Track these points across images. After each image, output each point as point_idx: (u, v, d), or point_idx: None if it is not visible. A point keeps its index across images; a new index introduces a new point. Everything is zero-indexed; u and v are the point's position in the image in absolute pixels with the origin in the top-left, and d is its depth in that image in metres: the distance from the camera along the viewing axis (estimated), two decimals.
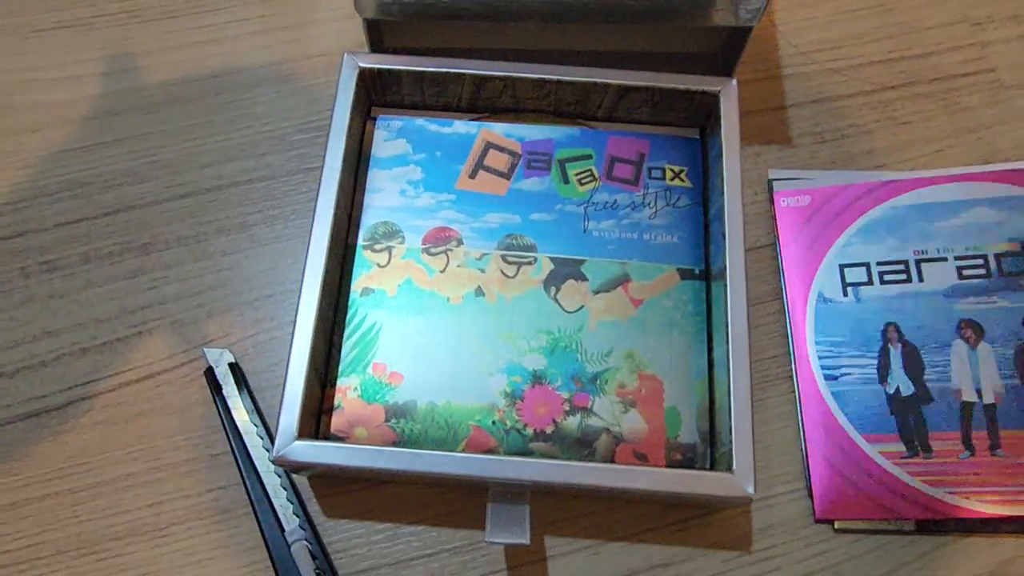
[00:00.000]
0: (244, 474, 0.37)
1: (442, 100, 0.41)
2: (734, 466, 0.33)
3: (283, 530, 0.36)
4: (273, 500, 0.37)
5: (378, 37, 0.43)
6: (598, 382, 0.36)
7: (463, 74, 0.39)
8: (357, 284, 0.38)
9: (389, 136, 0.41)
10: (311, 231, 0.36)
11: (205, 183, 0.44)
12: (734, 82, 0.39)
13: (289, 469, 0.36)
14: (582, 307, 0.38)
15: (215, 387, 0.39)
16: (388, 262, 0.39)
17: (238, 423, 0.38)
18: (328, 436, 0.36)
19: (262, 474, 0.37)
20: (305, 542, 0.36)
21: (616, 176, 0.40)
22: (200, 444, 0.38)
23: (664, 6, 0.39)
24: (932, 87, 0.46)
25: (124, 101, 0.46)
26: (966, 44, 0.47)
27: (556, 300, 0.38)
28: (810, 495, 0.37)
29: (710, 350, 0.37)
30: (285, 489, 0.37)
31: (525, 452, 0.35)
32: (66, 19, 0.48)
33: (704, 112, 0.41)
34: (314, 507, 0.37)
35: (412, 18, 0.40)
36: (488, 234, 0.39)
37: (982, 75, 0.46)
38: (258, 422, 0.38)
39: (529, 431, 0.36)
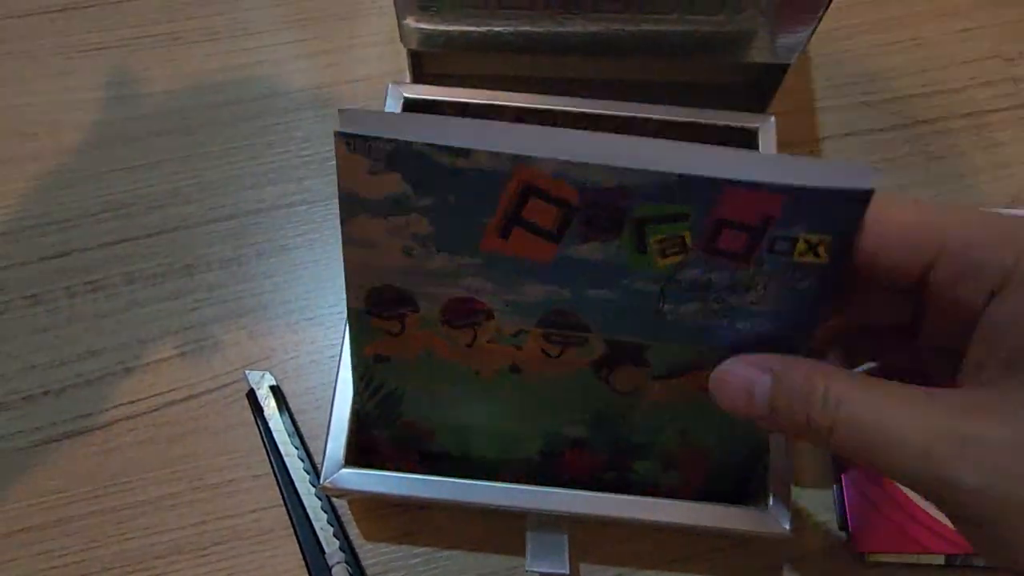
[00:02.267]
0: (285, 496, 0.38)
1: None
2: (770, 503, 0.33)
3: (323, 552, 0.37)
4: (314, 523, 0.38)
5: (419, 64, 0.44)
6: (642, 451, 0.35)
7: (506, 107, 0.40)
8: (367, 351, 0.32)
9: (374, 167, 0.25)
10: None
11: (246, 206, 0.45)
12: (772, 119, 0.40)
13: (335, 496, 0.37)
14: (637, 389, 0.32)
15: (256, 409, 0.40)
16: (402, 331, 0.31)
17: (279, 445, 0.39)
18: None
19: (303, 496, 0.38)
20: (345, 564, 0.37)
21: (720, 248, 0.26)
22: (241, 465, 0.39)
23: (703, 42, 0.40)
24: (965, 121, 0.46)
25: (166, 123, 0.46)
26: (999, 79, 0.48)
27: (607, 381, 0.32)
28: (842, 527, 0.38)
29: None
30: (326, 512, 0.38)
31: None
32: (109, 40, 0.49)
33: (742, 147, 0.41)
34: (353, 530, 0.38)
35: (455, 50, 0.41)
36: (527, 309, 0.29)
37: (1014, 110, 0.47)
38: (299, 444, 0.39)
39: (566, 477, 0.36)
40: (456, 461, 0.36)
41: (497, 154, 0.24)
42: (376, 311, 0.30)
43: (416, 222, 0.27)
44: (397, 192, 0.26)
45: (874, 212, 0.23)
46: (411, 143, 0.24)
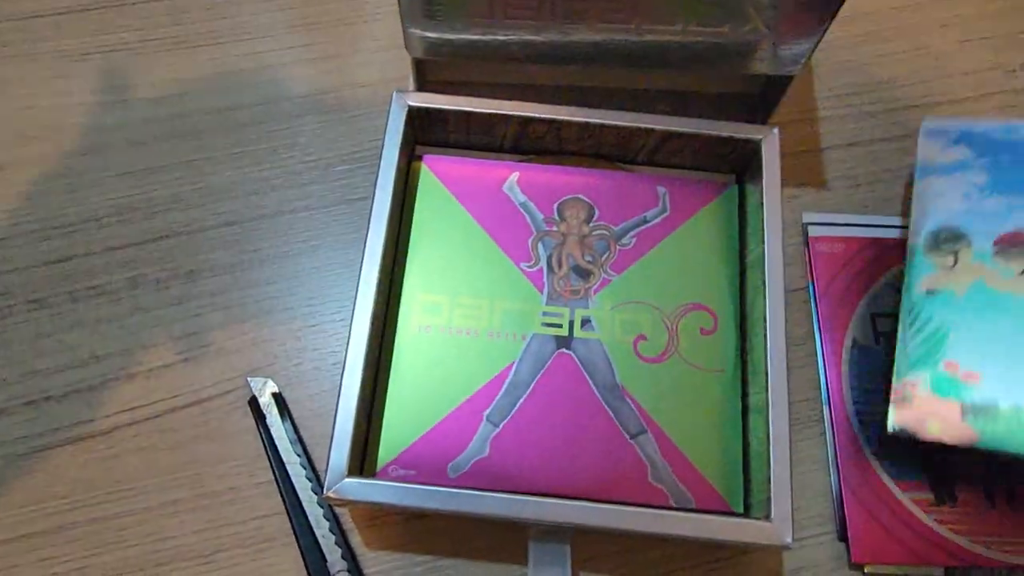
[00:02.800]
0: (288, 504, 0.38)
1: (486, 140, 0.42)
2: (772, 514, 0.33)
3: (325, 560, 0.37)
4: (316, 530, 0.38)
5: (422, 71, 0.44)
6: None
7: (510, 116, 0.40)
8: (920, 285, 0.37)
9: (946, 144, 0.40)
10: (360, 272, 0.37)
11: (249, 211, 0.45)
12: (775, 130, 0.40)
13: (338, 505, 0.37)
14: None
15: (259, 416, 0.40)
16: (955, 264, 0.37)
17: (282, 453, 0.39)
18: (895, 431, 0.35)
19: (305, 504, 0.38)
20: (347, 573, 0.37)
21: None
22: (244, 472, 0.39)
23: (707, 54, 0.40)
24: None
25: (170, 127, 0.46)
26: (998, 91, 0.48)
27: None
28: (841, 538, 0.38)
29: (745, 395, 0.38)
30: (328, 520, 0.38)
31: None
32: (113, 44, 0.49)
33: (744, 158, 0.41)
34: (355, 538, 0.38)
35: (459, 58, 0.41)
36: None
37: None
38: (301, 452, 0.39)
39: None
40: (1005, 418, 0.34)
41: None
42: (932, 247, 0.38)
43: (976, 175, 0.38)
44: (961, 158, 0.39)
45: None
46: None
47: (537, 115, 0.40)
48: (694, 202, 0.41)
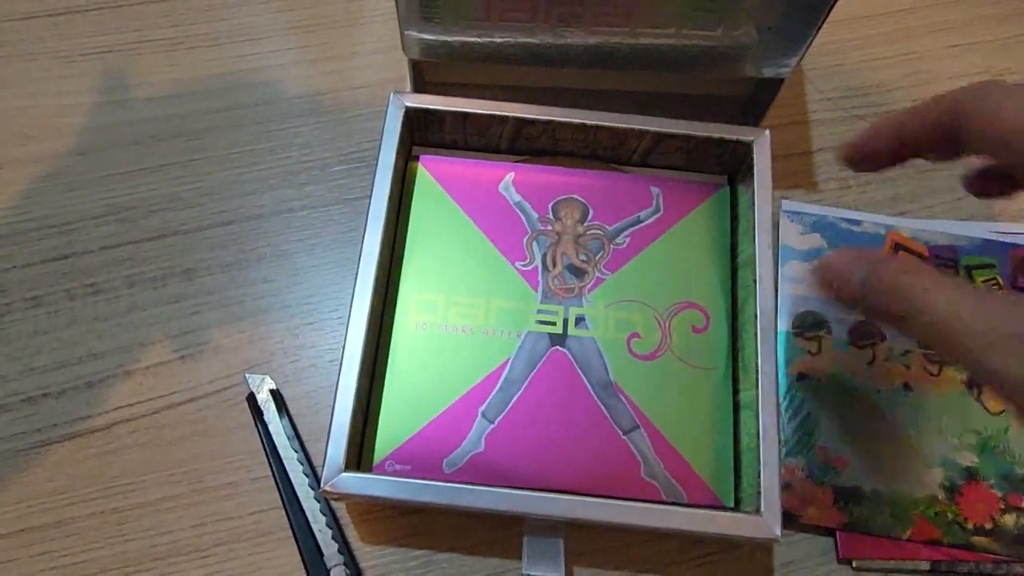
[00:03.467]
0: (285, 499, 0.39)
1: (482, 141, 0.43)
2: (762, 508, 0.34)
3: (322, 555, 0.38)
4: (312, 525, 0.38)
5: (419, 72, 0.45)
6: None
7: (506, 117, 0.41)
8: (792, 369, 0.41)
9: (804, 230, 0.43)
10: (358, 270, 0.37)
11: (247, 211, 0.45)
12: (767, 132, 0.41)
13: (335, 500, 0.37)
14: (1004, 411, 0.39)
15: (256, 412, 0.40)
16: (819, 350, 0.41)
17: (279, 448, 0.39)
18: (786, 516, 0.37)
19: (302, 499, 0.39)
20: (343, 567, 0.37)
21: (1021, 286, 0.41)
22: (241, 468, 0.40)
23: (700, 57, 0.41)
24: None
25: (168, 127, 0.47)
26: None
27: (979, 401, 0.40)
28: (831, 534, 0.39)
29: (736, 392, 0.39)
30: (324, 515, 0.38)
31: (966, 545, 0.38)
32: (111, 44, 0.49)
33: (736, 160, 0.42)
34: (351, 533, 0.39)
35: (456, 60, 0.42)
36: None
37: None
38: (298, 448, 0.40)
39: (969, 525, 0.38)
40: (869, 502, 0.39)
41: (876, 223, 0.44)
42: (799, 332, 0.41)
43: None
44: (816, 246, 0.43)
45: None
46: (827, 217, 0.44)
47: (533, 116, 0.41)
48: (687, 203, 0.42)
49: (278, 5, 0.50)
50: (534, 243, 0.41)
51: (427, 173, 0.42)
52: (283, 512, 0.39)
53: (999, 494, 0.38)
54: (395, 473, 0.37)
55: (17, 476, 0.39)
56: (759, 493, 0.34)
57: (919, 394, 0.40)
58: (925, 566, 0.38)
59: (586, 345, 0.39)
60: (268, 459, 0.39)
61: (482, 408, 0.38)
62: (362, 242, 0.38)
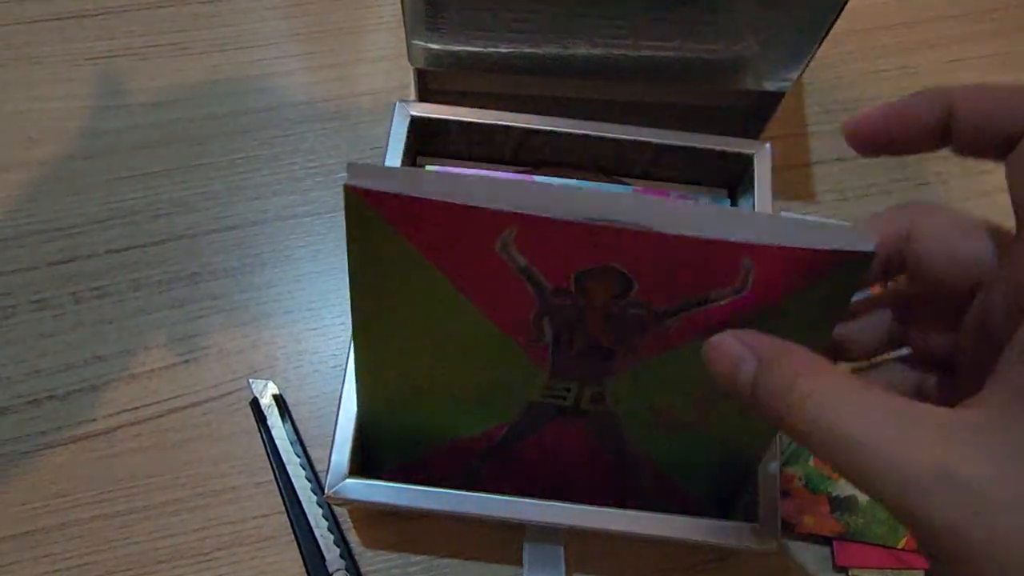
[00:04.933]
0: (287, 503, 0.39)
1: (487, 151, 0.43)
2: (760, 518, 0.34)
3: (324, 559, 0.38)
4: (315, 530, 0.38)
5: (424, 81, 0.45)
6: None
7: (511, 127, 0.41)
8: None
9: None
10: None
11: (251, 216, 0.45)
12: (768, 145, 0.41)
13: (338, 505, 0.38)
14: None
15: (260, 417, 0.41)
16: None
17: (282, 453, 0.40)
18: (783, 524, 0.35)
19: (304, 504, 0.39)
20: (345, 572, 0.38)
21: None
22: (244, 472, 0.40)
23: (701, 69, 0.41)
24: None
25: (173, 132, 0.47)
26: None
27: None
28: (827, 543, 0.39)
29: None
30: (327, 519, 0.39)
31: None
32: (117, 48, 0.49)
33: (736, 172, 0.42)
34: (353, 538, 0.39)
35: (461, 70, 0.42)
36: None
37: None
38: (301, 453, 0.40)
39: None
40: (863, 510, 0.38)
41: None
42: None
43: None
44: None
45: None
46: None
47: (537, 127, 0.41)
48: (795, 279, 0.26)
49: (284, 12, 0.51)
50: (544, 319, 0.29)
51: (383, 221, 0.26)
52: (286, 517, 0.39)
53: None
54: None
55: (21, 478, 0.39)
56: (757, 502, 0.35)
57: None
58: (920, 575, 0.39)
59: (602, 417, 0.33)
60: (271, 464, 0.40)
61: (480, 451, 0.36)
62: None
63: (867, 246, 0.24)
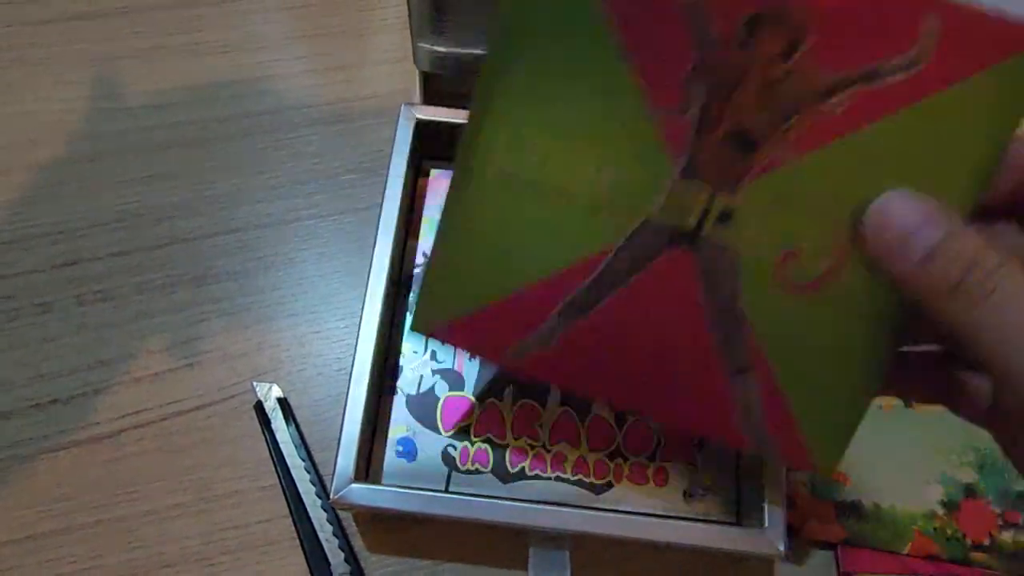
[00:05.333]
0: (292, 507, 0.39)
1: None
2: (766, 524, 0.34)
3: (328, 563, 0.38)
4: (319, 534, 0.38)
5: (429, 84, 0.45)
6: None
7: None
8: None
9: None
10: (367, 282, 0.38)
11: (255, 219, 0.45)
12: None
13: (343, 510, 0.37)
14: None
15: (264, 420, 0.41)
16: None
17: (286, 457, 0.40)
18: (788, 529, 0.35)
19: (309, 508, 0.39)
20: None
21: None
22: (249, 476, 0.40)
23: None
24: None
25: (177, 134, 0.47)
26: None
27: None
28: (832, 548, 0.39)
29: None
30: (331, 524, 0.39)
31: (965, 561, 0.38)
32: (122, 50, 0.49)
33: None
34: (358, 542, 0.39)
35: (467, 73, 0.42)
36: None
37: None
38: (305, 457, 0.40)
39: (968, 541, 0.38)
40: (869, 516, 0.39)
41: None
42: None
43: None
44: None
45: None
46: None
47: None
48: (976, 55, 0.24)
49: (289, 14, 0.51)
50: (698, 81, 0.26)
51: None
52: (290, 521, 0.39)
53: (997, 511, 0.39)
54: (451, 343, 0.31)
55: (24, 482, 0.39)
56: (763, 509, 0.35)
57: (920, 410, 0.41)
58: None
59: (721, 254, 0.28)
60: (275, 467, 0.40)
61: (567, 299, 0.30)
62: (372, 254, 0.38)
63: None
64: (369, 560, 0.39)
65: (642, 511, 0.37)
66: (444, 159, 0.44)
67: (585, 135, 0.27)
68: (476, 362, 0.40)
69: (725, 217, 0.27)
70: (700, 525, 0.35)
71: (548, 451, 0.39)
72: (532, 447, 0.39)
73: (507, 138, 0.28)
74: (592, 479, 0.38)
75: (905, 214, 0.23)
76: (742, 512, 0.38)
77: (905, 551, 0.38)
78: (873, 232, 0.24)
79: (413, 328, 0.32)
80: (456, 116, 0.41)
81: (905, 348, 0.28)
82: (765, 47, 0.25)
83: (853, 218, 0.26)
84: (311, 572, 0.38)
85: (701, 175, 0.27)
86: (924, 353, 0.28)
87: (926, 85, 0.24)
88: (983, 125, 0.24)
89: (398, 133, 0.41)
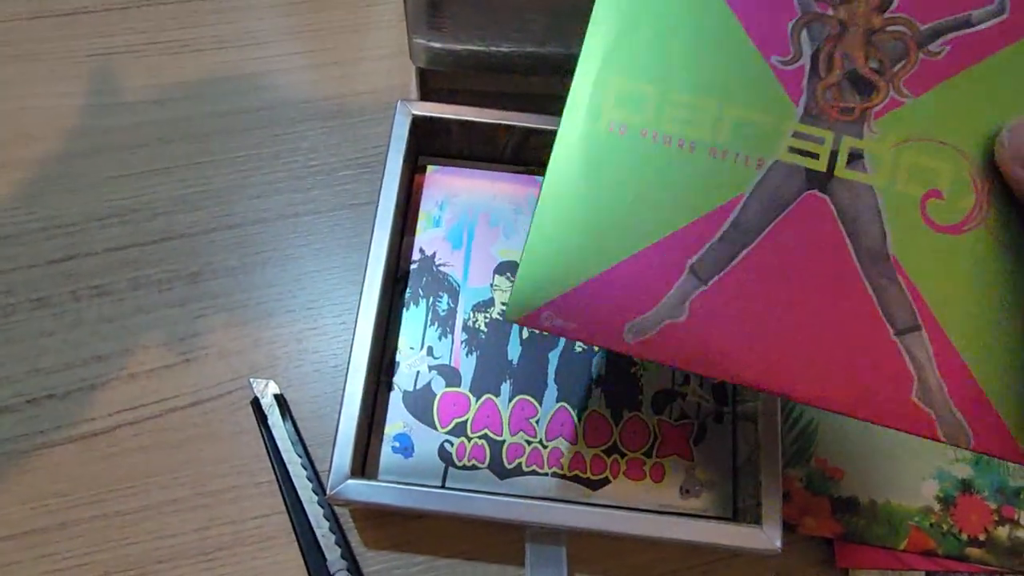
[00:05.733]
0: (288, 503, 0.39)
1: (488, 150, 0.43)
2: (762, 520, 0.34)
3: (325, 559, 0.38)
4: (316, 530, 0.38)
5: (425, 80, 0.45)
6: (1021, 496, 0.38)
7: (513, 126, 0.41)
8: None
9: None
10: (364, 279, 0.38)
11: (252, 215, 0.45)
12: None
13: (339, 506, 0.37)
14: None
15: (260, 417, 0.41)
16: None
17: (283, 453, 0.40)
18: (784, 525, 0.35)
19: (305, 504, 0.39)
20: (346, 572, 0.38)
21: None
22: (245, 472, 0.40)
23: None
24: None
25: (174, 130, 0.47)
26: None
27: None
28: (828, 543, 0.39)
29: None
30: (328, 520, 0.39)
31: (961, 556, 0.38)
32: (118, 45, 0.49)
33: None
34: (354, 538, 0.39)
35: (463, 69, 0.42)
36: None
37: None
38: (302, 453, 0.40)
39: (964, 536, 0.38)
40: (865, 511, 0.38)
41: None
42: None
43: None
44: None
45: None
46: None
47: (540, 126, 0.41)
48: None
49: (285, 9, 0.50)
50: (804, 31, 0.28)
51: None
52: (287, 517, 0.39)
53: (993, 506, 0.39)
54: (555, 329, 0.27)
55: (20, 477, 0.39)
56: (759, 505, 0.35)
57: None
58: None
59: (859, 195, 0.27)
60: (272, 463, 0.40)
61: (692, 260, 0.27)
62: (369, 249, 0.38)
63: None
64: (365, 556, 0.39)
65: (638, 507, 0.37)
66: (440, 154, 0.44)
67: (702, 83, 0.27)
68: (473, 358, 0.40)
69: (855, 157, 0.27)
70: (696, 521, 0.35)
71: (545, 447, 0.39)
72: (529, 443, 0.39)
73: (617, 90, 0.27)
74: (589, 475, 0.38)
75: None
76: (738, 508, 0.38)
77: (901, 547, 0.38)
78: (1013, 148, 0.25)
79: (507, 317, 0.27)
80: (452, 112, 0.41)
81: None
82: (861, 1, 0.27)
83: (985, 149, 0.27)
84: (307, 568, 0.38)
85: (823, 118, 0.27)
86: None
87: (1014, 31, 0.27)
88: None
89: (394, 129, 0.41)
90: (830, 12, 0.28)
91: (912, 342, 0.27)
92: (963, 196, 0.27)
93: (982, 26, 0.27)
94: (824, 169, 0.27)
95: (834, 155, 0.27)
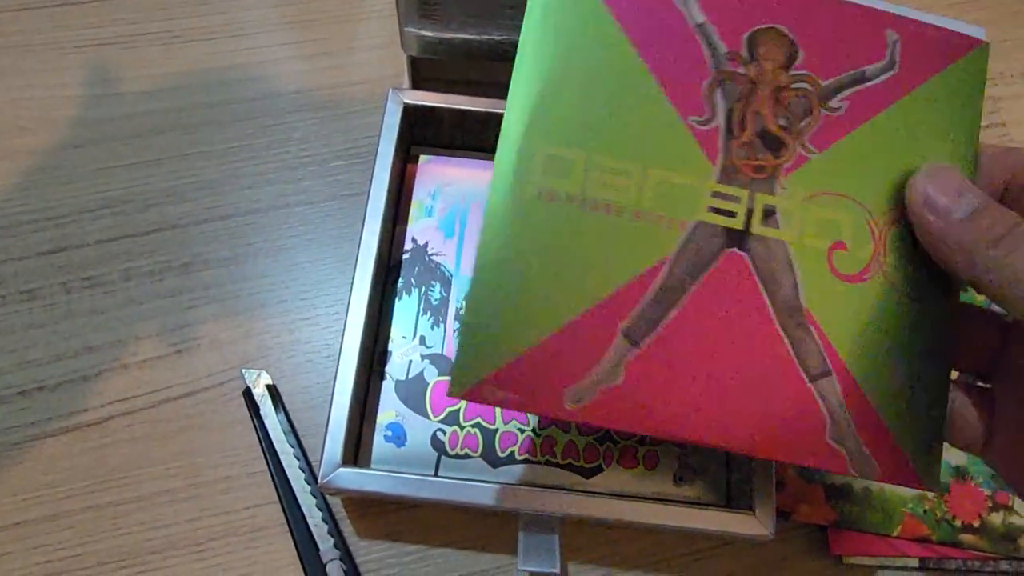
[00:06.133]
0: (281, 493, 0.39)
1: (481, 139, 0.43)
2: (755, 506, 0.34)
3: (318, 549, 0.38)
4: (308, 520, 0.38)
5: (417, 69, 0.45)
6: None
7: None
8: None
9: None
10: (355, 268, 0.38)
11: (244, 205, 0.45)
12: None
13: (331, 495, 0.37)
14: None
15: (253, 407, 0.41)
16: None
17: (275, 443, 0.40)
18: (779, 513, 0.36)
19: (298, 494, 0.39)
20: (339, 562, 0.37)
21: None
22: (238, 462, 0.40)
23: None
24: None
25: (165, 120, 0.47)
26: None
27: None
28: (823, 531, 0.39)
29: None
30: (320, 509, 0.38)
31: (955, 542, 0.38)
32: (107, 36, 0.49)
33: None
34: (347, 527, 0.39)
35: (455, 57, 0.42)
36: None
37: (994, 128, 0.48)
38: (294, 443, 0.40)
39: (957, 522, 0.38)
40: (859, 499, 0.38)
41: None
42: None
43: None
44: None
45: None
46: None
47: None
48: (933, 60, 0.29)
49: (275, 0, 0.50)
50: (718, 91, 0.29)
51: None
52: (279, 507, 0.39)
53: (987, 492, 0.39)
54: (499, 402, 0.27)
55: (12, 469, 0.39)
56: (752, 491, 0.35)
57: None
58: (914, 563, 0.39)
59: (774, 250, 0.29)
60: (264, 454, 0.40)
61: (624, 325, 0.28)
62: (360, 239, 0.38)
63: (979, 33, 0.30)
64: (358, 545, 0.39)
65: (632, 494, 0.37)
66: (432, 144, 0.44)
67: (624, 146, 0.28)
68: None
69: (769, 214, 0.29)
70: (690, 508, 0.35)
71: (538, 435, 0.39)
72: (522, 431, 0.39)
73: (544, 156, 0.28)
74: (582, 463, 0.38)
75: (947, 181, 0.27)
76: (731, 495, 0.38)
77: (895, 533, 0.38)
78: (920, 196, 0.27)
79: (451, 393, 0.28)
80: (444, 100, 0.41)
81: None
82: (768, 59, 0.29)
83: (882, 199, 0.29)
84: (300, 557, 0.38)
85: (739, 177, 0.29)
86: None
87: (904, 84, 0.29)
88: (957, 113, 0.29)
89: (386, 118, 0.40)
90: (741, 70, 0.29)
91: (824, 387, 0.28)
92: (863, 246, 0.29)
93: (876, 81, 0.29)
94: (741, 227, 0.29)
95: (750, 212, 0.29)
